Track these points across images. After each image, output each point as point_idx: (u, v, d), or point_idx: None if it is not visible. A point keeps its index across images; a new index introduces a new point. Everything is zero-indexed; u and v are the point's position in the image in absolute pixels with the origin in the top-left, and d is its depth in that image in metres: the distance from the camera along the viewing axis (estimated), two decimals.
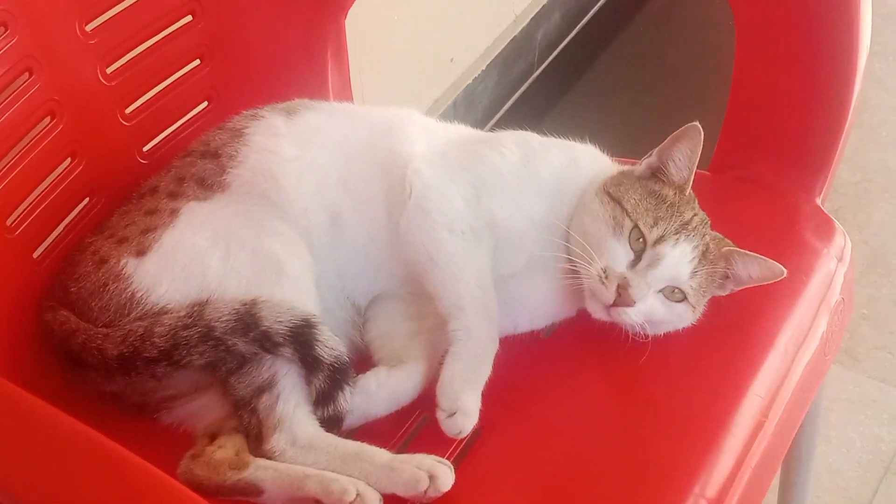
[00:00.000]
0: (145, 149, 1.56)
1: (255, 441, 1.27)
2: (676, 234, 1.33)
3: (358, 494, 1.22)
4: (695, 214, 1.36)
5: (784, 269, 1.34)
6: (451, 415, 1.28)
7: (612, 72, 3.05)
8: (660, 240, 1.32)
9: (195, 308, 1.27)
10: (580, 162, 1.44)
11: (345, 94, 1.75)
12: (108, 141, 1.51)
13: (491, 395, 1.31)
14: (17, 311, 1.39)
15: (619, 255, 1.33)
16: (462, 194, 1.38)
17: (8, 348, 1.37)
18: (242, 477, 1.25)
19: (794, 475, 1.76)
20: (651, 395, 1.37)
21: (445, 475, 1.23)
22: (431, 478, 1.22)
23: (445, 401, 1.29)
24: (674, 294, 1.34)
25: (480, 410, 1.31)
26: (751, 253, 1.35)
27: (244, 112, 1.48)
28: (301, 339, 1.27)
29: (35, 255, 1.43)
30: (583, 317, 1.42)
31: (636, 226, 1.33)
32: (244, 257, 1.33)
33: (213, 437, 1.29)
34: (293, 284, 1.31)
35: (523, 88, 2.90)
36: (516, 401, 1.35)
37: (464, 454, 1.32)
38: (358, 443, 1.27)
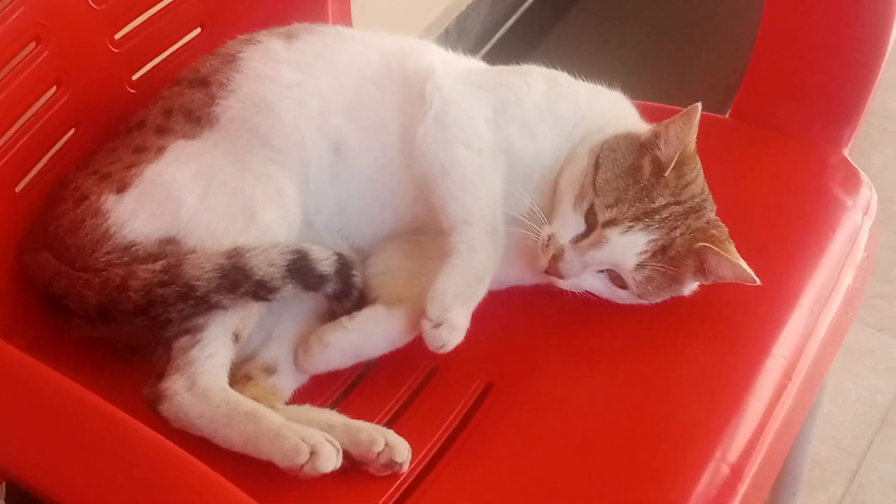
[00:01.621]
0: (135, 77, 1.46)
1: (157, 377, 1.21)
2: (633, 221, 1.24)
3: (386, 444, 1.18)
4: (673, 203, 1.25)
5: (757, 279, 1.25)
6: (437, 325, 1.22)
7: None
8: (610, 223, 1.24)
9: (171, 264, 1.21)
10: (597, 107, 1.37)
11: (345, 21, 1.65)
12: (95, 68, 1.41)
13: (504, 347, 1.27)
14: None
15: (569, 225, 1.26)
16: (482, 114, 1.32)
17: None
18: None
19: None
20: (672, 356, 1.30)
21: (329, 455, 1.15)
22: (313, 453, 1.14)
23: (434, 310, 1.22)
24: (618, 279, 1.27)
25: (492, 364, 1.26)
26: (725, 255, 1.24)
27: (239, 37, 1.40)
28: (301, 271, 1.22)
29: (17, 188, 1.34)
30: None
31: (593, 203, 1.25)
32: (222, 197, 1.26)
33: None
34: (261, 233, 1.25)
35: (517, 16, 2.80)
36: (530, 355, 1.30)
37: (476, 408, 1.27)
38: (252, 402, 1.20)
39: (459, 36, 2.60)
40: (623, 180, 1.26)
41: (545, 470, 1.21)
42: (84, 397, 1.04)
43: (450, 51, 1.46)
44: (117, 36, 1.43)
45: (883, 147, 2.58)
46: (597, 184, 1.25)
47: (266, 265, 1.20)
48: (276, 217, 1.27)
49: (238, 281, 1.19)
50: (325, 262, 1.23)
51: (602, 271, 1.26)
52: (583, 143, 1.32)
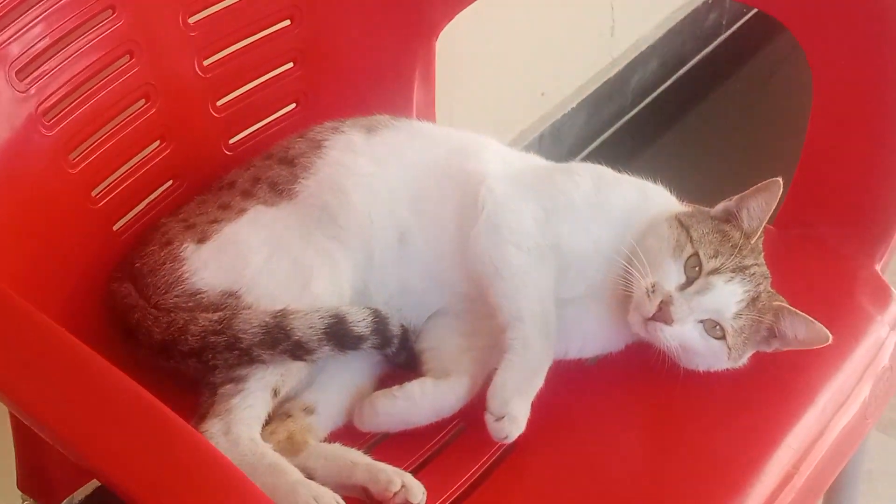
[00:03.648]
0: (231, 141, 1.63)
1: (200, 417, 1.33)
2: (733, 272, 1.35)
3: (403, 486, 1.28)
4: (756, 264, 1.38)
5: (830, 336, 1.35)
6: (500, 419, 1.32)
7: (703, 126, 3.03)
8: (714, 271, 1.35)
9: (226, 316, 1.34)
10: (650, 197, 1.48)
11: (429, 113, 1.80)
12: (196, 129, 1.58)
13: (529, 415, 1.34)
14: (94, 278, 1.46)
15: (671, 274, 1.36)
16: (532, 215, 1.43)
17: (82, 314, 1.44)
18: (295, 463, 1.31)
19: None
20: (685, 436, 1.39)
21: None
22: None
23: (495, 404, 1.33)
24: (714, 330, 1.35)
25: None
26: (800, 313, 1.37)
27: (327, 123, 1.54)
28: (337, 335, 1.34)
29: (115, 227, 1.51)
30: (629, 352, 1.45)
31: (696, 253, 1.36)
32: (284, 263, 1.41)
33: (266, 422, 1.36)
34: (311, 301, 1.37)
35: (612, 131, 2.90)
36: (552, 424, 1.37)
37: (494, 467, 1.36)
38: (276, 455, 1.30)
39: (553, 143, 2.70)
40: (717, 237, 1.38)
41: None
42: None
43: (514, 149, 1.60)
44: (219, 102, 1.59)
45: None
46: (693, 238, 1.37)
47: (305, 327, 1.34)
48: (328, 289, 1.40)
49: (278, 339, 1.33)
50: (360, 323, 1.36)
51: (700, 322, 1.35)
52: (652, 220, 1.43)
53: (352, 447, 1.36)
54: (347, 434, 1.40)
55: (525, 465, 1.36)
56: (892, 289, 1.55)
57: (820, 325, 1.36)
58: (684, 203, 1.50)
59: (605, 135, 2.90)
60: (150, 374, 1.36)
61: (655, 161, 2.88)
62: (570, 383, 1.42)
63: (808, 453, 1.37)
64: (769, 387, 1.42)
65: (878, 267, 1.56)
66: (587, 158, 2.81)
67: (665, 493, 1.32)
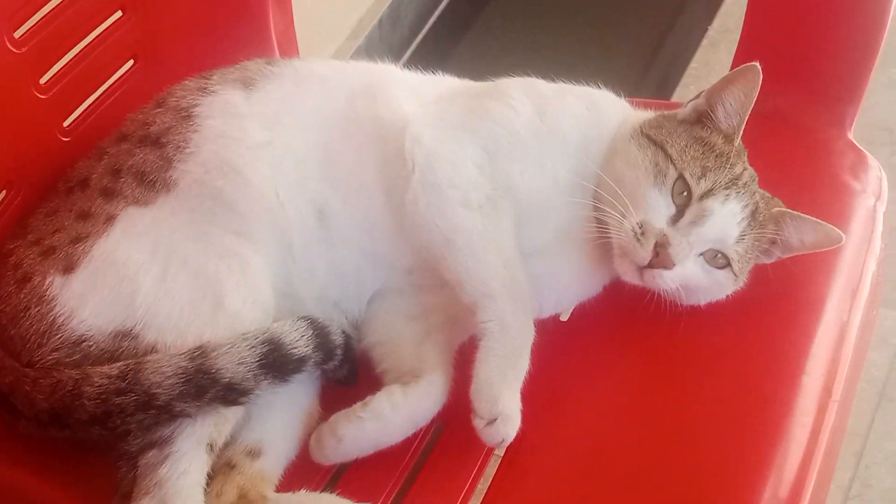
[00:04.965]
0: (66, 123, 1.32)
1: (122, 498, 1.06)
2: (726, 189, 1.15)
3: None
4: (745, 169, 1.18)
5: (842, 235, 1.17)
6: (492, 422, 1.10)
7: None
8: (707, 193, 1.14)
9: (129, 368, 1.06)
10: (601, 108, 1.24)
11: (289, 39, 1.54)
12: (22, 118, 1.27)
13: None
14: None
15: (659, 207, 1.14)
16: (473, 160, 1.18)
17: None
18: None
19: None
20: (697, 382, 1.19)
21: None
22: None
23: (484, 406, 1.10)
24: (716, 259, 1.16)
25: None
26: (805, 215, 1.18)
27: (187, 83, 1.24)
28: (275, 364, 1.08)
29: None
30: (606, 293, 1.24)
31: (681, 176, 1.14)
32: (182, 279, 1.11)
33: (207, 482, 1.09)
34: (229, 322, 1.10)
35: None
36: (545, 401, 1.16)
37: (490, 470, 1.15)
38: None
39: (393, 25, 2.51)
40: (698, 149, 1.17)
41: None
42: None
43: (407, 69, 1.32)
44: (43, 80, 1.28)
45: None
46: (672, 157, 1.15)
47: (234, 364, 1.06)
48: (246, 301, 1.12)
49: (203, 386, 1.05)
50: (300, 341, 1.10)
51: (700, 255, 1.16)
52: (615, 140, 1.21)
53: (312, 484, 1.13)
54: (303, 468, 1.16)
55: (526, 466, 1.14)
56: (867, 153, 1.38)
57: (829, 225, 1.18)
58: (635, 104, 1.27)
59: (442, 5, 2.65)
60: (36, 445, 1.13)
61: (497, 17, 2.68)
62: (548, 348, 1.18)
63: (836, 370, 1.19)
64: (774, 302, 1.23)
65: (849, 134, 1.37)
66: (428, 35, 2.60)
67: (694, 460, 1.12)
